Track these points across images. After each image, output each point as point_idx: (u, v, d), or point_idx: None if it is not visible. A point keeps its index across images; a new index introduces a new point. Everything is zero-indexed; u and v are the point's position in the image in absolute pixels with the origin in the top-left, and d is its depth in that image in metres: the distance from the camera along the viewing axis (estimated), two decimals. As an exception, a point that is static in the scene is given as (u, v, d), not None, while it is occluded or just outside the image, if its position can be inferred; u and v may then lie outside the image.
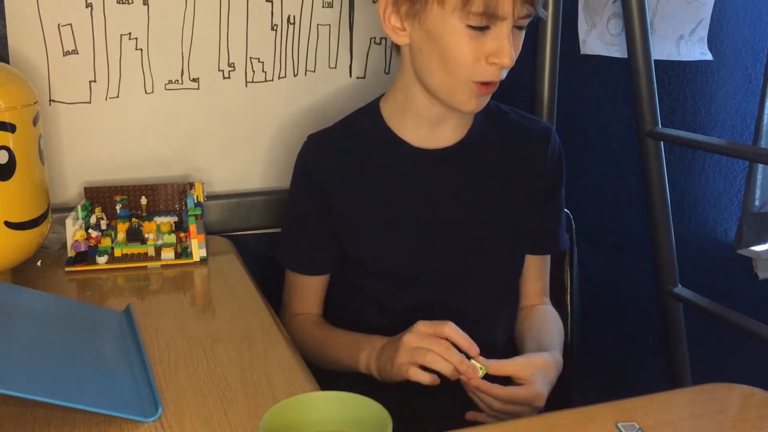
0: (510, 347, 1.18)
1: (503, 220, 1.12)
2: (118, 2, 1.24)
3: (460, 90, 1.01)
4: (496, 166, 1.12)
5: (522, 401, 0.93)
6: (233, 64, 1.34)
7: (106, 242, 1.18)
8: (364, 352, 1.01)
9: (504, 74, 1.01)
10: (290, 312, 1.17)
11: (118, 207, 1.25)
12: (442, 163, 1.10)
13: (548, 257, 1.22)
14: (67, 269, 1.14)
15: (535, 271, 1.20)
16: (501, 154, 1.13)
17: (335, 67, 1.41)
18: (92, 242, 1.18)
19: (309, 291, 1.17)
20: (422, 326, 0.94)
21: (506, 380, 0.96)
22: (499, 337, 1.17)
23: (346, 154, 1.12)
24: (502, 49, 0.97)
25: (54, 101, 1.26)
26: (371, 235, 1.11)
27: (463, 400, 1.02)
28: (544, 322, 1.16)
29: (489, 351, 1.02)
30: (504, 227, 1.13)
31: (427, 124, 1.09)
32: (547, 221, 1.18)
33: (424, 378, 0.92)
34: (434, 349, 0.91)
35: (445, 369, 0.91)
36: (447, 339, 0.92)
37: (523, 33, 1.02)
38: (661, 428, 0.76)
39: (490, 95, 1.04)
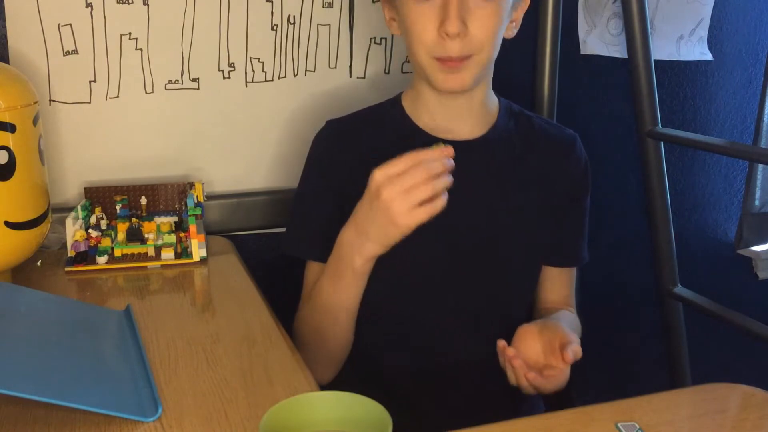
0: None
1: (518, 223, 1.10)
2: (118, 2, 1.24)
3: (429, 68, 1.00)
4: (516, 168, 1.10)
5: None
6: (233, 64, 1.34)
7: (106, 242, 1.18)
8: (344, 239, 0.97)
9: (468, 49, 0.97)
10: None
11: (118, 207, 1.25)
12: (460, 154, 1.06)
13: (571, 270, 1.18)
14: (67, 269, 1.14)
15: (555, 282, 1.17)
16: (522, 157, 1.11)
17: (335, 67, 1.40)
18: (92, 242, 1.18)
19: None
20: (387, 170, 0.89)
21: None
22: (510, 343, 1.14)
23: (363, 140, 1.11)
24: (446, 16, 0.95)
25: (54, 101, 1.26)
26: None
27: (464, 400, 1.01)
28: (556, 315, 1.12)
29: (496, 357, 1.02)
30: (518, 231, 1.10)
31: (442, 119, 1.08)
32: (567, 233, 1.15)
33: (435, 209, 0.89)
34: (418, 179, 0.88)
35: (443, 185, 0.89)
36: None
37: (495, 4, 0.98)
38: (661, 428, 0.76)
39: (467, 70, 1.00)
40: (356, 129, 1.12)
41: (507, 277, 1.12)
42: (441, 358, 0.95)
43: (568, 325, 1.06)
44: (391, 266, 1.09)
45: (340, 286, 1.01)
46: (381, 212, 0.90)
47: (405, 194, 0.88)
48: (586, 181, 1.16)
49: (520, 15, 1.08)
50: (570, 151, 1.13)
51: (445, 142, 1.07)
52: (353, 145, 1.10)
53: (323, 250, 1.09)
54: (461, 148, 1.07)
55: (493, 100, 1.13)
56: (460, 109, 1.08)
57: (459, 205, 1.07)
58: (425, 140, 1.08)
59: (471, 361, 1.03)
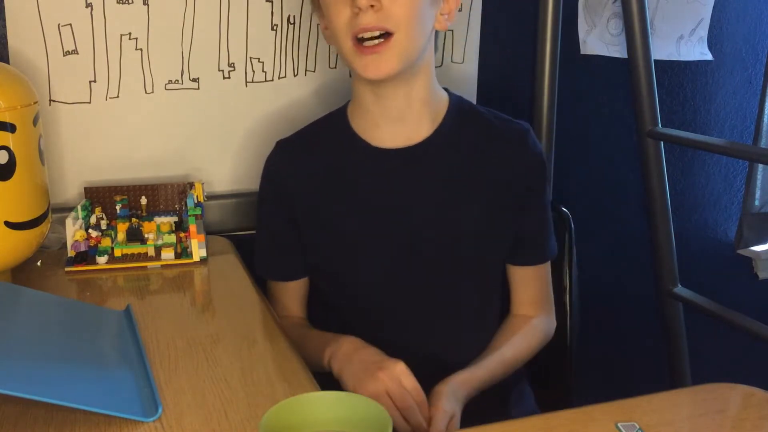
0: None
1: (471, 224, 1.08)
2: (118, 2, 1.24)
3: (351, 55, 1.00)
4: (465, 167, 1.08)
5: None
6: (233, 64, 1.34)
7: (106, 242, 1.18)
8: (328, 349, 1.00)
9: (384, 22, 0.96)
10: None
11: (118, 207, 1.25)
12: (405, 162, 1.07)
13: (541, 267, 1.16)
14: (67, 269, 1.14)
15: (523, 281, 1.15)
16: (471, 155, 1.09)
17: (335, 67, 1.40)
18: (92, 242, 1.18)
19: (287, 296, 1.16)
20: (402, 376, 0.91)
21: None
22: (474, 349, 1.10)
23: (312, 158, 1.11)
24: None
25: (54, 101, 1.26)
26: (334, 243, 1.10)
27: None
28: (501, 337, 1.11)
29: (459, 364, 1.01)
30: (473, 232, 1.08)
31: (384, 122, 1.07)
32: (528, 230, 1.12)
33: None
34: (398, 404, 0.90)
35: (402, 428, 0.91)
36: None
37: None
38: (661, 428, 0.76)
39: (389, 52, 0.98)
40: (304, 147, 1.13)
41: (465, 281, 1.10)
42: (410, 362, 0.94)
43: (497, 363, 1.06)
44: (351, 279, 1.10)
45: (312, 357, 1.01)
46: (365, 373, 0.92)
47: (392, 388, 0.90)
48: (542, 174, 1.12)
49: (451, 8, 1.06)
50: (520, 145, 1.10)
51: (388, 150, 1.08)
52: (302, 164, 1.11)
53: (282, 270, 1.15)
54: (403, 155, 1.07)
55: (441, 99, 1.10)
56: (398, 109, 1.06)
57: (409, 211, 1.07)
58: (367, 152, 1.08)
59: (440, 363, 1.02)
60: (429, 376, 0.95)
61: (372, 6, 0.96)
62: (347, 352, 0.98)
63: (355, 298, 1.11)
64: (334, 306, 1.14)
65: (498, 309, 1.16)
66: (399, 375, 0.91)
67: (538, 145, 1.13)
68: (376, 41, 0.98)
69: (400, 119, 1.07)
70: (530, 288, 1.15)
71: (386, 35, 0.98)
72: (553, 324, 1.18)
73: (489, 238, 1.10)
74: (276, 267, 1.16)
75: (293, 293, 1.16)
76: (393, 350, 0.96)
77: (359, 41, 0.98)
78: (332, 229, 1.10)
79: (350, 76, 1.41)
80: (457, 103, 1.12)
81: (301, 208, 1.11)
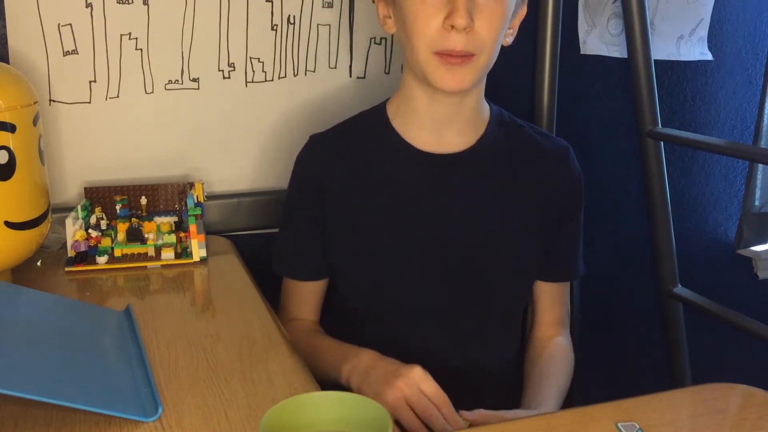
0: (506, 374, 1.14)
1: (508, 238, 1.08)
2: (118, 2, 1.24)
3: (429, 65, 0.97)
4: (506, 180, 1.08)
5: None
6: (233, 64, 1.34)
7: (106, 242, 1.18)
8: (347, 365, 0.97)
9: (472, 46, 0.95)
10: (285, 316, 1.14)
11: (118, 207, 1.25)
12: (447, 169, 1.06)
13: (565, 285, 1.17)
14: (67, 269, 1.14)
15: (549, 298, 1.15)
16: (512, 169, 1.08)
17: (335, 67, 1.40)
18: (92, 242, 1.18)
19: (303, 297, 1.14)
20: (421, 381, 0.88)
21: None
22: (495, 361, 1.12)
23: (347, 156, 1.09)
24: (454, 8, 0.93)
25: (54, 101, 1.26)
26: (362, 245, 1.08)
27: (463, 401, 1.01)
28: (548, 366, 1.09)
29: (481, 375, 1.01)
30: (508, 246, 1.08)
31: (431, 126, 1.06)
32: (561, 247, 1.12)
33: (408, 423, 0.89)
34: (419, 412, 0.87)
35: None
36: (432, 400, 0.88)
37: (502, 4, 0.97)
38: (661, 428, 0.76)
39: (468, 70, 0.98)
40: (338, 143, 1.10)
41: (495, 296, 1.10)
42: (431, 370, 0.93)
43: (556, 392, 1.03)
44: (377, 283, 1.09)
45: (325, 370, 1.00)
46: (383, 385, 0.90)
47: (411, 396, 0.88)
48: (580, 195, 1.13)
49: (517, 23, 1.06)
50: (563, 164, 1.11)
51: (431, 155, 1.06)
52: (336, 160, 1.09)
53: (304, 269, 1.12)
54: (448, 161, 1.06)
55: (485, 108, 1.10)
56: (449, 114, 1.05)
57: (446, 219, 1.06)
58: (410, 154, 1.06)
59: (460, 371, 1.02)
60: (449, 387, 0.92)
61: (465, 28, 0.94)
62: (365, 367, 0.95)
63: (378, 305, 1.09)
64: (354, 311, 1.11)
65: (520, 325, 1.16)
66: (417, 380, 0.88)
67: (578, 165, 1.12)
68: (459, 57, 0.96)
69: (448, 124, 1.05)
70: (555, 308, 1.16)
71: (468, 54, 0.97)
72: (570, 340, 1.18)
73: (523, 252, 1.09)
74: (297, 265, 1.13)
75: (310, 295, 1.14)
76: (415, 360, 0.94)
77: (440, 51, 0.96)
78: (362, 230, 1.07)
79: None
80: (497, 114, 1.11)
81: (331, 206, 1.08)
